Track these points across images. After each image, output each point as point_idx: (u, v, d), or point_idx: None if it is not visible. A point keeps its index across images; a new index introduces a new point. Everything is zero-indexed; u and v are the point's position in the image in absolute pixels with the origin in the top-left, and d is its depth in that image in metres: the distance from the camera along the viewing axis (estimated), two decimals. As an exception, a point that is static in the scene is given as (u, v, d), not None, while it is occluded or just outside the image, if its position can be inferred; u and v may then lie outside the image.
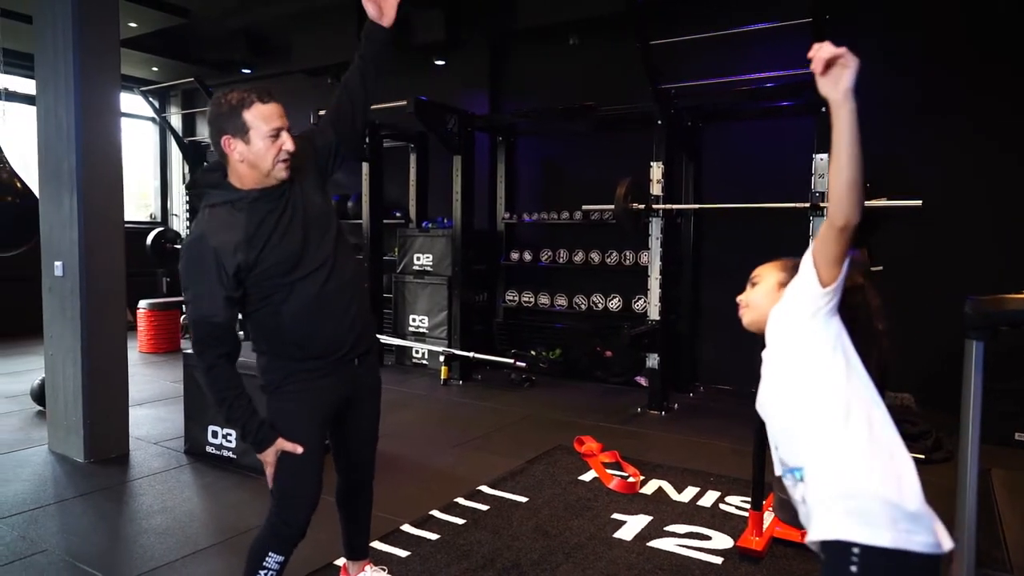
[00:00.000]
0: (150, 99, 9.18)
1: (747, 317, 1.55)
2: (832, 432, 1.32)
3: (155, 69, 8.99)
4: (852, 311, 1.40)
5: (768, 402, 1.47)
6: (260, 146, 1.84)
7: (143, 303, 7.42)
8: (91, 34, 3.84)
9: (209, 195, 1.93)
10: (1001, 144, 4.87)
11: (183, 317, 8.10)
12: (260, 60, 8.35)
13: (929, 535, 1.26)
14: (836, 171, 1.24)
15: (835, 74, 1.22)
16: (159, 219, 10.23)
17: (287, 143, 1.86)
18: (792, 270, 1.50)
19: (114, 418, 4.05)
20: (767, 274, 1.55)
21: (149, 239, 8.50)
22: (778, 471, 1.50)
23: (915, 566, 1.24)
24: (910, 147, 5.16)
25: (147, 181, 10.35)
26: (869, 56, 5.20)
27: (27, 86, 8.50)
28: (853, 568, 1.25)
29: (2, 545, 2.87)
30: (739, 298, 1.58)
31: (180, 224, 9.50)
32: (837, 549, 1.28)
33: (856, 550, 1.26)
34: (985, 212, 4.93)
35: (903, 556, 1.24)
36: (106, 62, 3.95)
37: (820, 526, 1.31)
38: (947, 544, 1.28)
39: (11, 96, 6.50)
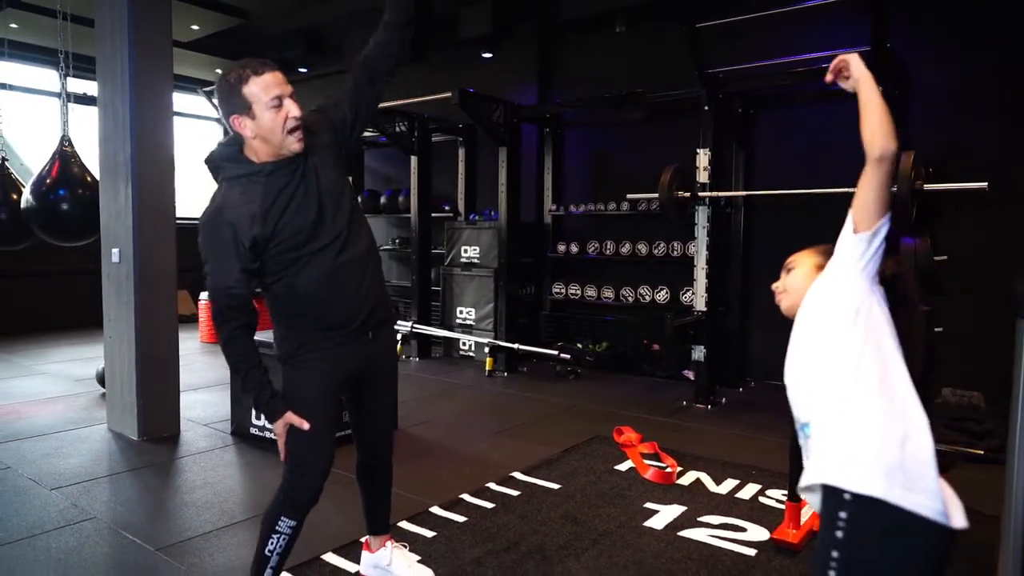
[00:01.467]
0: (212, 100, 9.54)
1: (785, 302, 1.56)
2: (839, 386, 1.30)
3: (218, 71, 9.34)
4: (891, 295, 1.40)
5: (790, 363, 1.45)
6: (266, 118, 1.85)
7: (204, 295, 7.71)
8: (146, 35, 4.03)
9: (225, 168, 1.97)
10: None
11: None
12: (316, 59, 8.57)
13: (933, 500, 1.19)
14: (868, 112, 1.36)
15: (846, 75, 1.46)
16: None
17: (292, 109, 1.86)
18: (827, 254, 1.48)
19: (165, 399, 4.22)
20: (803, 259, 1.56)
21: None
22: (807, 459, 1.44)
23: (911, 528, 1.18)
24: (978, 130, 4.84)
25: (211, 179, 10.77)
26: (932, 35, 4.94)
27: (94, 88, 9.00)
28: (843, 514, 1.21)
29: (56, 512, 3.03)
30: (775, 285, 1.60)
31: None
32: (830, 493, 1.25)
33: (847, 495, 1.22)
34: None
35: (898, 512, 1.18)
36: (159, 60, 4.14)
37: (814, 470, 1.28)
38: (957, 521, 1.21)
39: (84, 99, 6.88)
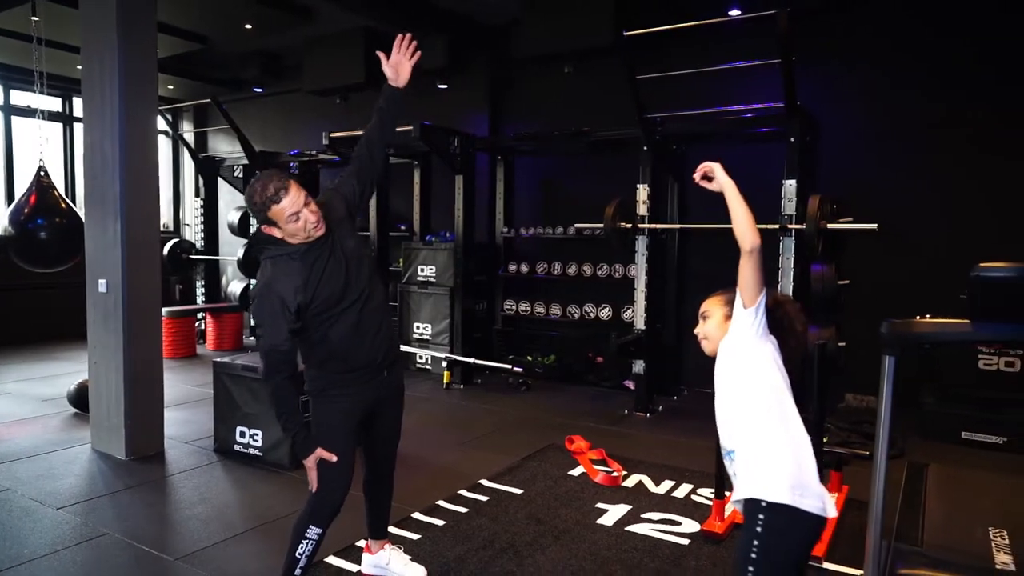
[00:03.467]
0: (165, 115, 9.62)
1: (707, 348, 2.05)
2: (754, 425, 1.84)
3: (171, 87, 9.45)
4: (779, 320, 1.95)
5: (718, 407, 1.95)
6: (289, 228, 2.28)
7: (165, 310, 7.85)
8: (133, 70, 4.30)
9: (268, 250, 2.38)
10: (967, 170, 5.36)
11: (198, 323, 8.57)
12: (272, 80, 8.83)
13: (818, 501, 1.78)
14: (735, 218, 1.88)
15: (711, 178, 1.99)
16: (171, 229, 10.67)
17: (309, 218, 2.27)
18: (733, 303, 1.98)
19: (151, 420, 4.50)
20: (714, 309, 2.05)
21: (166, 249, 8.93)
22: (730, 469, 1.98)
23: (803, 520, 1.75)
24: (875, 171, 5.64)
25: (160, 193, 10.80)
26: (836, 89, 5.71)
27: (54, 104, 9.07)
28: (761, 516, 1.76)
29: (69, 529, 3.32)
30: (696, 331, 2.09)
31: (192, 234, 9.94)
32: (752, 504, 1.80)
33: (764, 503, 1.77)
34: (948, 232, 5.40)
35: (796, 511, 1.75)
36: (146, 106, 4.44)
37: (741, 488, 1.83)
38: (831, 512, 1.79)
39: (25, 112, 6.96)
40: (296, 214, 2.26)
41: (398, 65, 2.49)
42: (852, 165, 5.73)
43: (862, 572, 2.33)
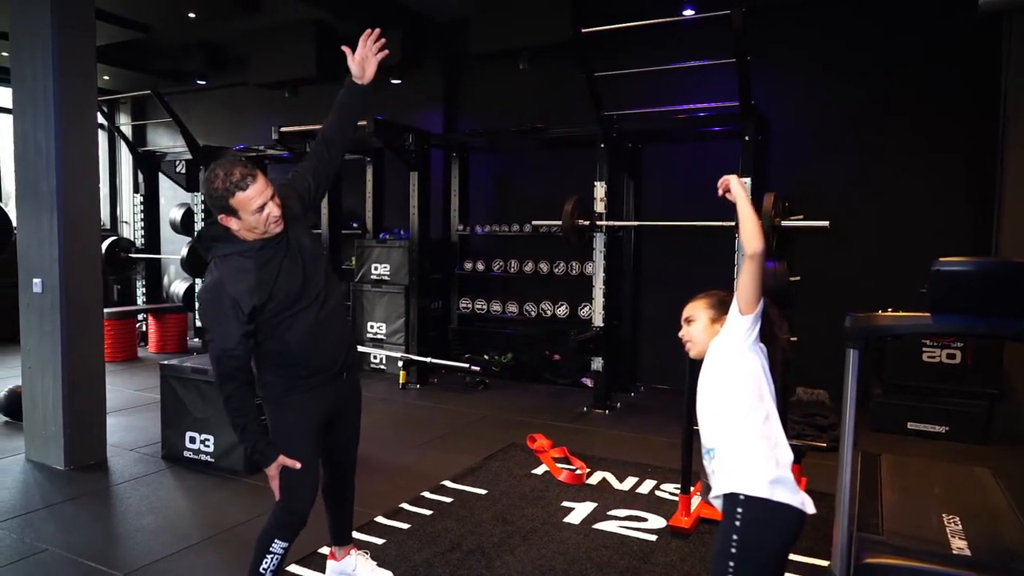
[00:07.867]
0: (101, 107, 9.16)
1: (694, 351, 2.05)
2: (737, 423, 1.85)
3: (106, 78, 9.01)
4: (761, 327, 1.92)
5: (700, 407, 1.96)
6: (251, 220, 2.16)
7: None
8: (69, 56, 4.05)
9: (217, 248, 2.24)
10: (911, 172, 5.56)
11: (139, 325, 8.20)
12: (217, 72, 8.51)
13: (795, 496, 1.80)
14: (743, 223, 1.87)
15: (730, 192, 2.00)
16: (108, 226, 10.19)
17: (273, 211, 2.17)
18: (717, 306, 2.01)
19: (92, 427, 4.26)
20: (698, 312, 2.05)
21: (103, 248, 8.51)
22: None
23: (782, 514, 1.78)
24: (824, 169, 5.80)
25: (95, 188, 10.30)
26: (788, 91, 5.83)
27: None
28: (740, 511, 1.78)
29: (5, 545, 3.10)
30: (681, 334, 2.09)
31: (131, 232, 9.50)
32: (731, 499, 1.81)
33: (742, 497, 1.79)
34: (891, 229, 5.59)
35: (775, 505, 1.77)
36: (84, 83, 4.18)
37: (721, 484, 1.84)
38: (810, 509, 1.81)
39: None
40: (262, 206, 2.14)
41: (364, 61, 2.40)
42: (803, 164, 5.88)
43: (828, 563, 2.37)
